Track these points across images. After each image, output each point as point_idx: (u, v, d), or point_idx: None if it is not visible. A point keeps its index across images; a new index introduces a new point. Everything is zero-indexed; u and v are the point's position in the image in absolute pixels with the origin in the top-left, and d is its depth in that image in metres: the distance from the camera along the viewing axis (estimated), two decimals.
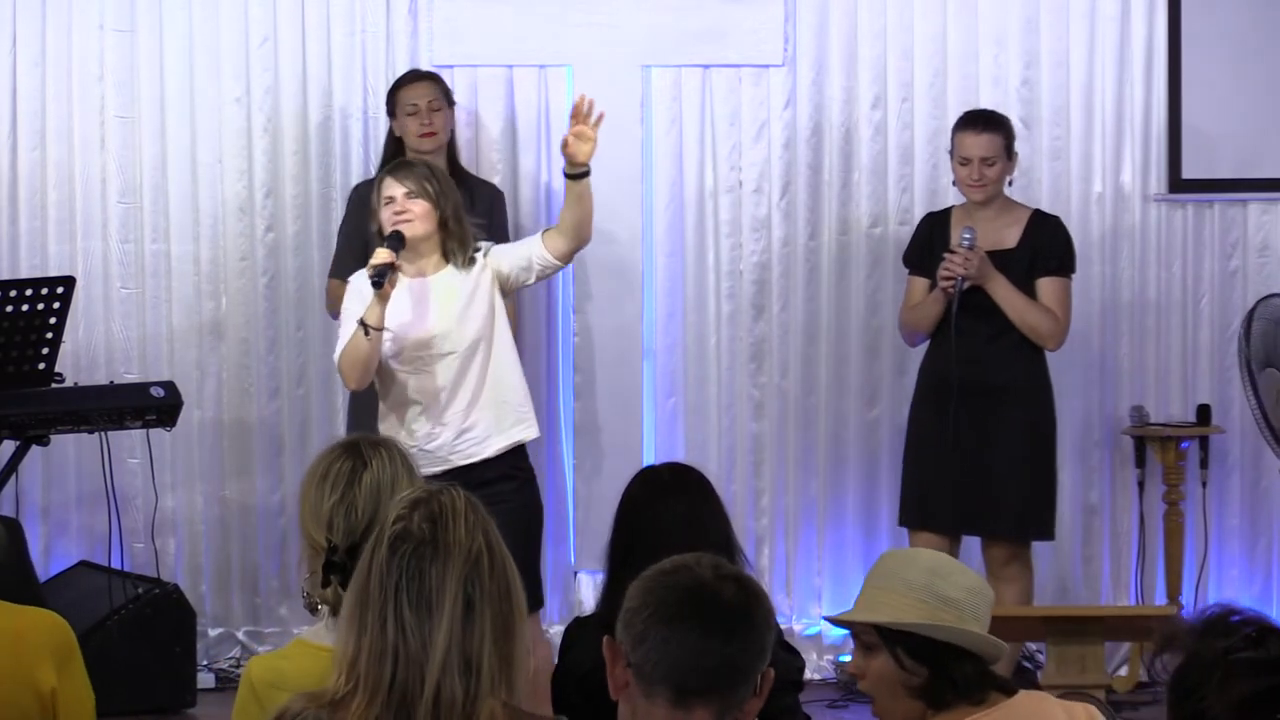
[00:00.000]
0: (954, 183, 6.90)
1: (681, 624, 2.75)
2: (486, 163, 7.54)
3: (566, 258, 5.87)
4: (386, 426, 5.81)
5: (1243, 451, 7.46)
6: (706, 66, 7.56)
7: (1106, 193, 7.58)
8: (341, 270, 7.01)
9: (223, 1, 7.50)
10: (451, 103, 7.05)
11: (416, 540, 2.83)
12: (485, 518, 2.89)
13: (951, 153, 6.83)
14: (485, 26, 7.49)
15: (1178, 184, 7.56)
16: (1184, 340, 7.61)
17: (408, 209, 5.72)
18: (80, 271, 7.31)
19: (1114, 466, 7.62)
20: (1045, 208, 7.47)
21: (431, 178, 5.78)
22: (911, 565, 3.43)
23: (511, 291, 5.93)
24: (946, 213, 6.94)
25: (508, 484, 5.76)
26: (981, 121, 6.78)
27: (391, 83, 7.33)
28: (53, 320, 6.38)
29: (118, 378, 7.32)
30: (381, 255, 5.61)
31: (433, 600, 2.80)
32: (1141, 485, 7.55)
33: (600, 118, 5.82)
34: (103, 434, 6.59)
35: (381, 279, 5.55)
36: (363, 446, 3.58)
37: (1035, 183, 7.55)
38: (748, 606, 2.79)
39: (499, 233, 6.81)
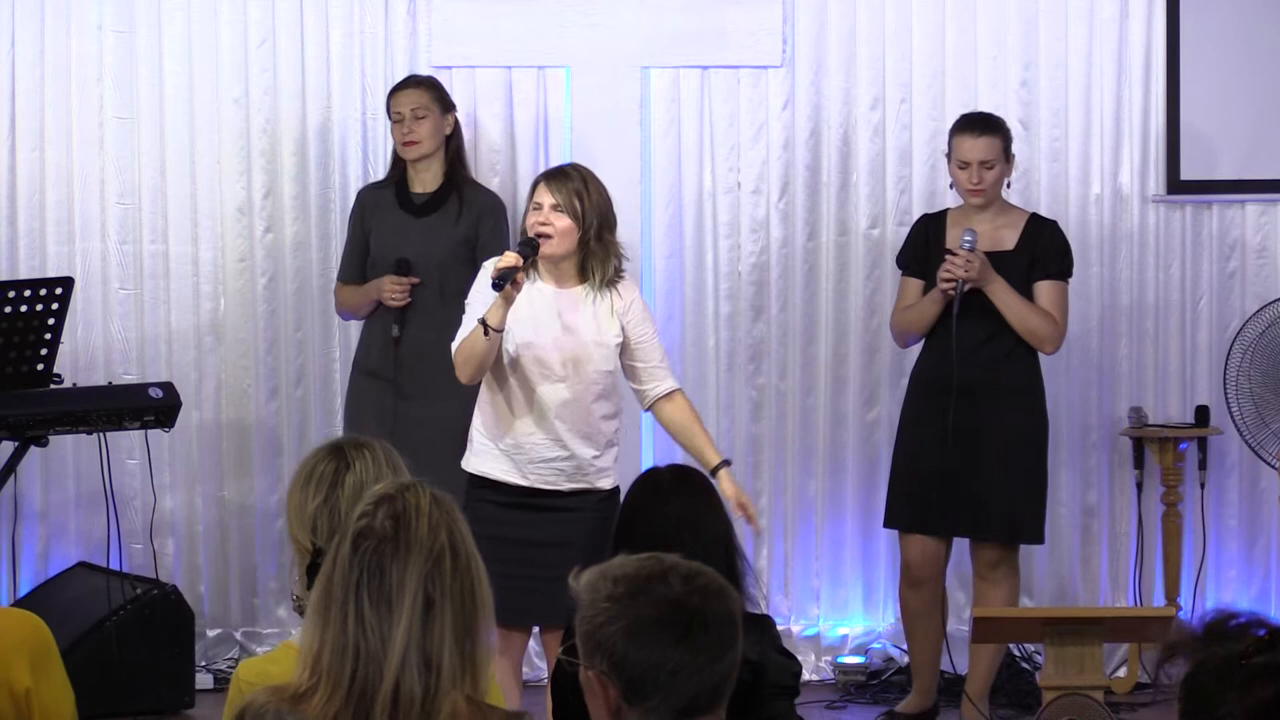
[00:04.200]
0: (951, 186, 6.89)
1: (672, 651, 2.65)
2: (485, 164, 7.54)
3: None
4: (485, 421, 5.80)
5: (1241, 453, 7.45)
6: (705, 68, 7.56)
7: (1105, 194, 7.58)
8: (345, 273, 7.04)
9: (221, 3, 7.50)
10: (448, 108, 6.99)
11: (378, 537, 2.85)
12: (453, 516, 2.89)
13: (949, 155, 6.82)
14: (483, 28, 7.49)
15: (1176, 185, 7.56)
16: (1182, 342, 7.61)
17: (550, 222, 5.68)
18: (79, 272, 7.31)
19: (1112, 468, 7.62)
20: (1044, 209, 7.47)
21: (584, 193, 5.69)
22: None
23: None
24: (942, 215, 6.93)
25: (587, 497, 5.75)
26: (980, 124, 6.76)
27: (391, 84, 7.37)
28: (51, 321, 6.38)
29: (116, 378, 7.32)
30: (508, 258, 5.57)
31: (392, 597, 2.81)
32: (1140, 486, 7.55)
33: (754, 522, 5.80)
34: (101, 435, 6.58)
35: (503, 282, 5.52)
36: (347, 448, 3.58)
37: (1034, 184, 7.55)
38: (727, 612, 2.70)
39: (486, 247, 6.82)
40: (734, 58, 7.53)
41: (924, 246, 6.85)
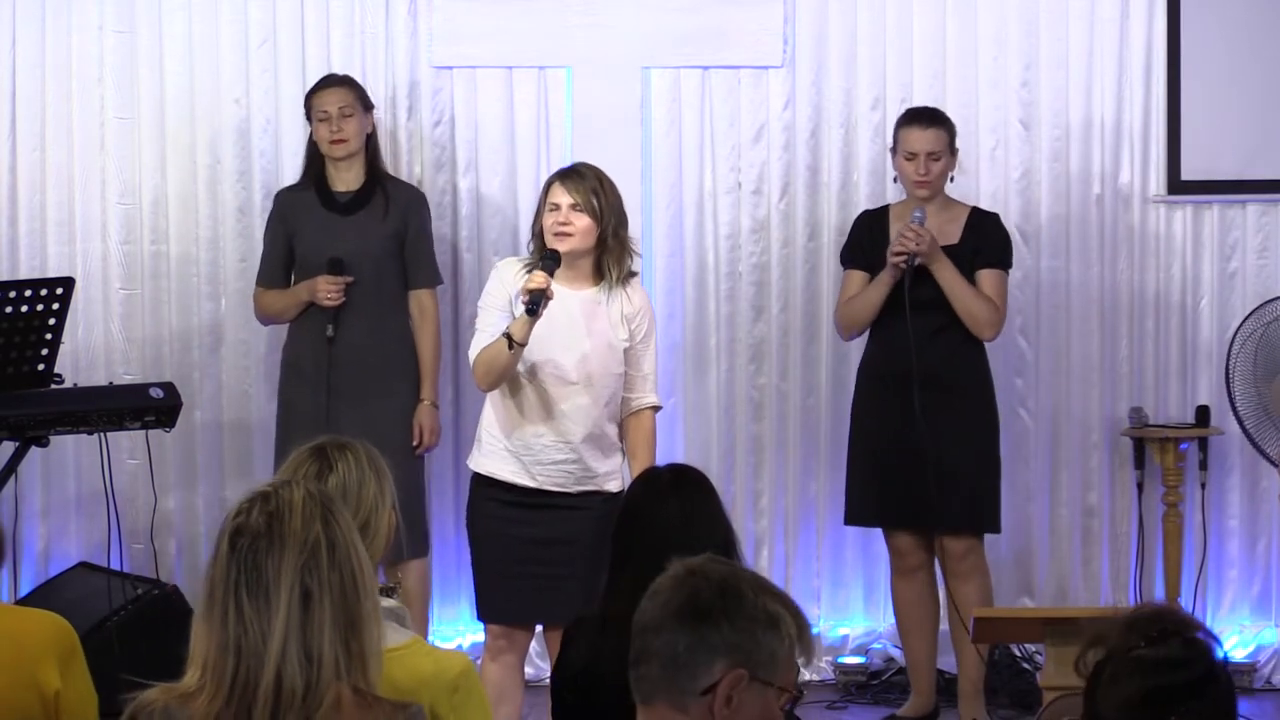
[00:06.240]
0: (895, 179, 6.92)
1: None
2: (486, 164, 7.54)
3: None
4: (495, 421, 5.81)
5: (1242, 453, 7.45)
6: (706, 68, 7.56)
7: (1106, 194, 7.58)
8: (266, 278, 7.01)
9: (222, 3, 7.50)
10: (369, 107, 6.99)
11: (253, 534, 2.89)
12: (330, 510, 2.93)
13: (894, 148, 6.86)
14: (485, 28, 7.49)
15: (1177, 185, 7.56)
16: (1183, 342, 7.61)
17: (570, 221, 5.69)
18: (79, 272, 7.31)
19: (1113, 468, 7.62)
20: (1044, 209, 7.49)
21: (600, 191, 5.73)
22: None
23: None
24: (884, 210, 6.98)
25: (594, 497, 5.79)
26: (926, 117, 6.82)
27: (393, 84, 7.38)
28: (52, 321, 6.38)
29: (116, 378, 7.32)
30: (538, 280, 5.59)
31: (269, 592, 2.86)
32: (1140, 487, 7.55)
33: None
34: (102, 435, 6.58)
35: (536, 305, 5.55)
36: (329, 450, 3.60)
37: (1034, 184, 7.55)
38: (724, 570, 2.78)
39: (415, 241, 6.87)
40: (735, 58, 7.54)
41: (868, 241, 6.87)
